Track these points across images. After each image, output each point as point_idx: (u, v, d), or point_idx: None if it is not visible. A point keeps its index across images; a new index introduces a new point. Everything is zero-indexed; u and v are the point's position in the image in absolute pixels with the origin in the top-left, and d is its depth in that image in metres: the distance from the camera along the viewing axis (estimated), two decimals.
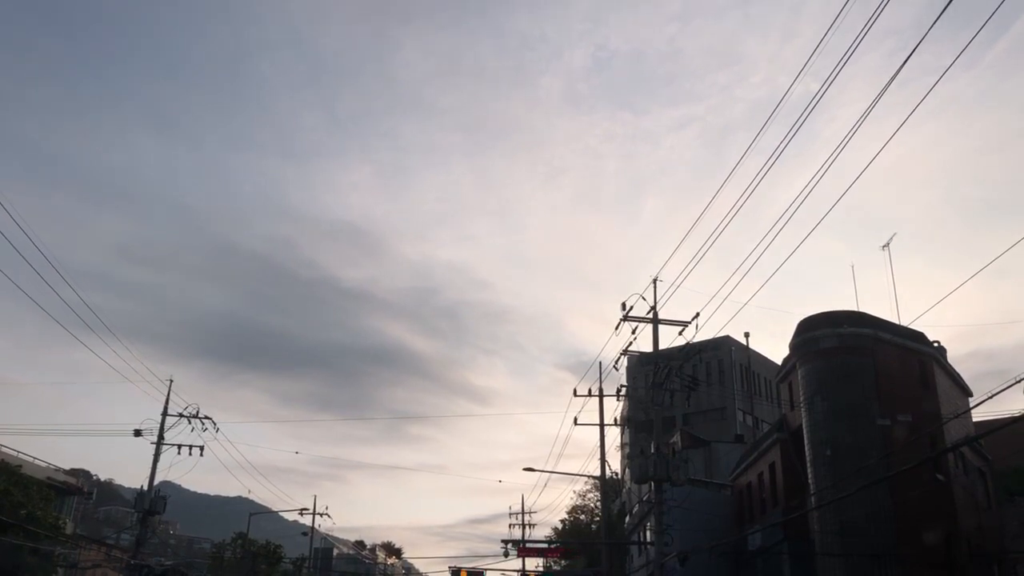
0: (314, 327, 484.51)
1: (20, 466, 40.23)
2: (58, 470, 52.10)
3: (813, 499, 27.84)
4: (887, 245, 32.99)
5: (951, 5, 9.89)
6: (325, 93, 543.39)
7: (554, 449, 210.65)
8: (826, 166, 13.18)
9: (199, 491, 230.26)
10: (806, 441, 28.97)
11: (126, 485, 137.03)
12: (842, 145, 12.70)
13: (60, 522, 42.85)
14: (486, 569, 43.80)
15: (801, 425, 29.85)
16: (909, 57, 10.89)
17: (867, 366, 28.29)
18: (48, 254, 22.36)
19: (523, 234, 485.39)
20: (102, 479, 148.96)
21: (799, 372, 30.07)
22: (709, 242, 18.58)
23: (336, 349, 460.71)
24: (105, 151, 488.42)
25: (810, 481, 28.58)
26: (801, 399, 29.70)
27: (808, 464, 28.79)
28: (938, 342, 31.31)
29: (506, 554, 39.32)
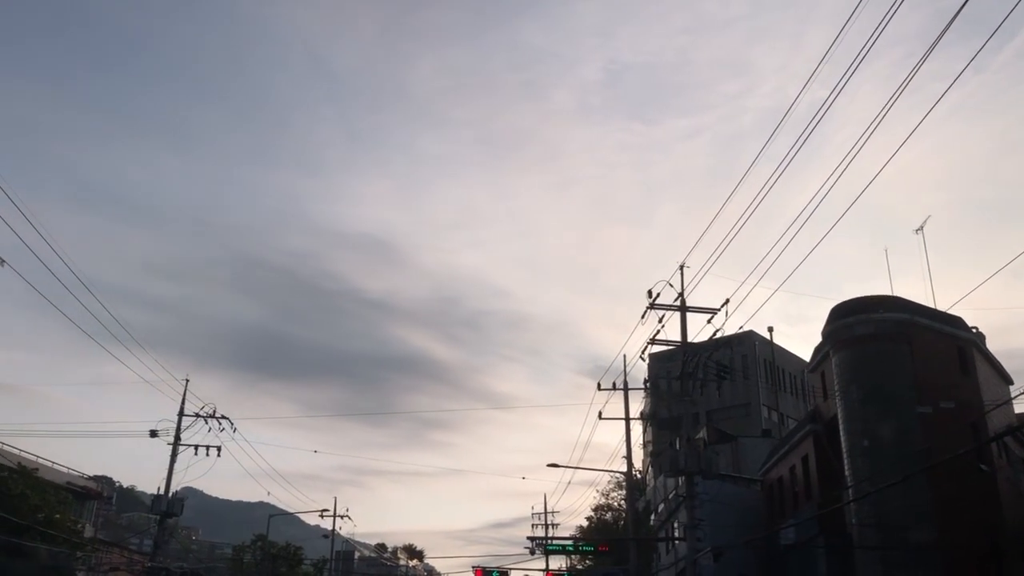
0: (338, 337, 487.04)
1: (36, 469, 39.82)
2: (79, 475, 51.86)
3: (850, 492, 26.77)
4: (921, 228, 31.89)
5: (958, 10, 9.83)
6: (343, 109, 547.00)
7: (575, 452, 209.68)
8: (840, 170, 13.34)
9: (220, 497, 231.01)
10: (841, 432, 27.91)
11: (148, 491, 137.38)
12: (854, 152, 12.83)
13: (79, 526, 42.43)
14: (510, 569, 43.05)
15: (834, 416, 28.80)
16: (917, 68, 11.06)
17: (904, 352, 27.21)
18: (78, 271, 22.70)
19: (539, 243, 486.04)
20: (124, 486, 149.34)
21: (833, 360, 29.01)
22: (730, 236, 17.86)
23: (359, 358, 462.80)
24: (131, 171, 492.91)
25: (846, 473, 27.52)
26: (835, 388, 28.64)
27: (844, 455, 27.72)
28: (976, 328, 30.15)
29: (532, 552, 38.49)
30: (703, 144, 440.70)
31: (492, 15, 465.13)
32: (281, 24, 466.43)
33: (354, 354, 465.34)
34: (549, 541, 44.65)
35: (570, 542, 44.31)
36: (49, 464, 45.44)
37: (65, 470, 49.28)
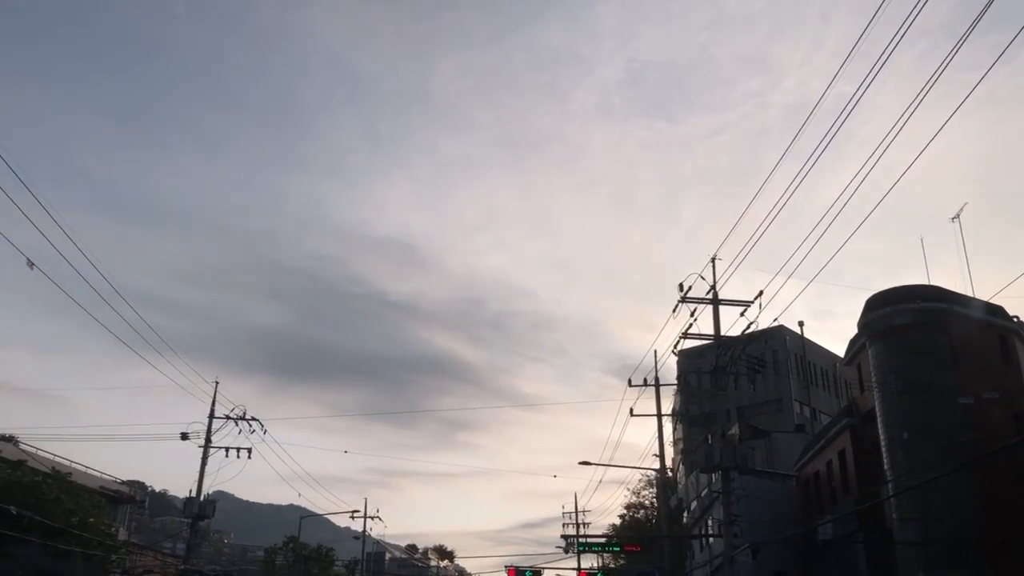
0: (363, 340, 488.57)
1: (70, 474, 40.08)
2: (111, 480, 52.25)
3: (890, 486, 26.17)
4: (957, 217, 31.16)
5: (982, 3, 9.79)
6: (366, 113, 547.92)
7: (606, 451, 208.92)
8: (871, 163, 13.29)
9: (251, 500, 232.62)
10: (880, 424, 27.31)
11: (180, 496, 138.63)
12: (883, 147, 12.78)
13: (112, 530, 42.66)
14: (543, 568, 42.72)
15: (871, 409, 28.20)
16: (947, 62, 10.93)
17: (943, 342, 26.58)
18: (108, 277, 22.81)
19: (563, 243, 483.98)
20: (156, 490, 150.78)
21: (869, 352, 28.40)
22: (760, 229, 17.45)
23: (385, 360, 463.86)
24: (157, 178, 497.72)
25: (885, 467, 26.91)
26: (872, 380, 28.03)
27: (882, 449, 27.12)
28: (1017, 317, 29.39)
29: (566, 550, 38.14)
30: (727, 141, 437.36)
31: (512, 17, 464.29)
32: (304, 30, 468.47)
33: (379, 356, 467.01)
34: (583, 539, 44.27)
35: (603, 540, 43.91)
36: (82, 469, 45.75)
37: (98, 474, 49.64)
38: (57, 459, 41.24)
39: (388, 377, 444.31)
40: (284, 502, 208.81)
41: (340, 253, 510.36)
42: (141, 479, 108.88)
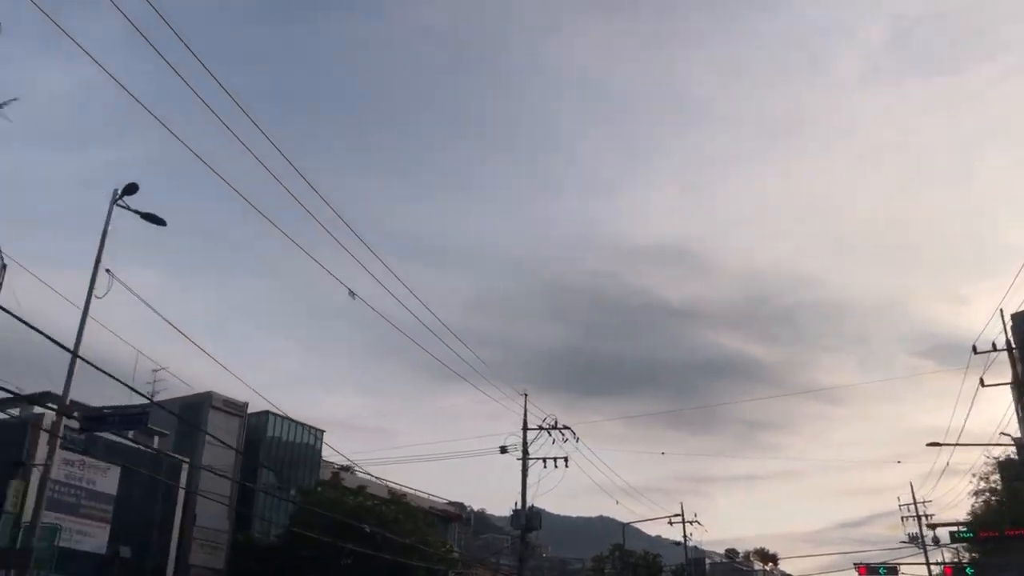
0: (649, 349, 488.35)
1: (404, 495, 42.54)
2: (439, 500, 55.30)
3: None
4: None
5: None
6: (620, 127, 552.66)
7: (944, 436, 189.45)
8: None
9: (560, 514, 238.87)
10: None
11: (497, 514, 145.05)
12: None
13: (446, 546, 44.73)
14: (899, 564, 38.42)
15: None
16: None
17: None
18: (415, 316, 24.07)
19: (845, 225, 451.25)
20: (475, 509, 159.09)
21: None
22: None
23: (673, 368, 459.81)
24: (442, 222, 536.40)
25: None
26: None
27: None
28: None
29: (936, 540, 33.84)
30: (1018, 84, 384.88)
31: (756, 2, 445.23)
32: (547, 55, 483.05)
33: (667, 364, 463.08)
34: (959, 530, 39.25)
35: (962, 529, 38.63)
36: (412, 492, 48.65)
37: (426, 496, 52.65)
38: (391, 485, 43.99)
39: (678, 384, 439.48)
40: (592, 514, 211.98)
41: (616, 268, 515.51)
42: (460, 499, 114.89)
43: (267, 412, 41.93)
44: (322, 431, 47.07)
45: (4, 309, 10.26)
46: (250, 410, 42.40)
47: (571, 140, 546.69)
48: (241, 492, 40.27)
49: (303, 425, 46.07)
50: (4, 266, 19.14)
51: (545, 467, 35.28)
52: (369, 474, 38.84)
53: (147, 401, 19.91)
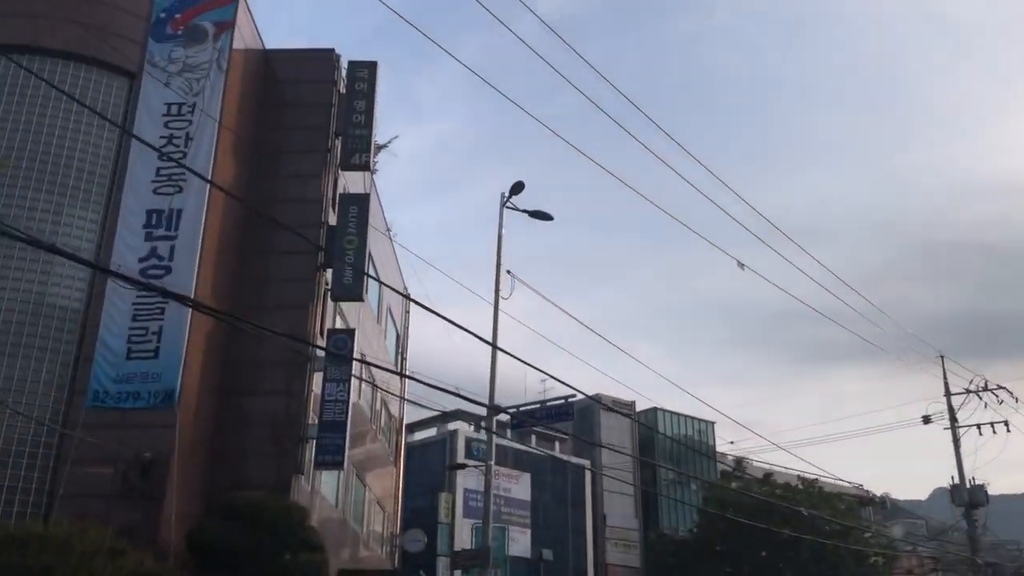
0: None
1: (816, 480, 40.36)
2: (850, 485, 51.56)
3: None
4: None
5: None
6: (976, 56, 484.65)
7: None
8: None
9: (999, 494, 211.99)
10: None
11: (901, 498, 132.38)
12: None
13: (872, 531, 41.54)
14: None
15: None
16: None
17: None
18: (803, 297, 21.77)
19: None
20: (878, 494, 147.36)
21: None
22: None
23: None
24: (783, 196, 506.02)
25: None
26: None
27: None
28: None
29: None
30: None
31: None
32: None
33: None
34: None
35: None
36: (823, 476, 46.02)
37: (831, 480, 49.20)
38: (794, 471, 41.68)
39: None
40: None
41: (1003, 210, 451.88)
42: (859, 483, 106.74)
43: (655, 408, 41.78)
44: (712, 423, 46.03)
45: (438, 313, 10.30)
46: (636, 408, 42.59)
47: (919, 80, 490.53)
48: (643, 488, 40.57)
49: (693, 419, 45.40)
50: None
51: (981, 434, 30.61)
52: (764, 462, 37.34)
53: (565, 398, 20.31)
